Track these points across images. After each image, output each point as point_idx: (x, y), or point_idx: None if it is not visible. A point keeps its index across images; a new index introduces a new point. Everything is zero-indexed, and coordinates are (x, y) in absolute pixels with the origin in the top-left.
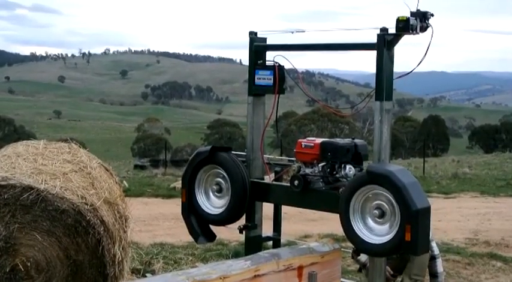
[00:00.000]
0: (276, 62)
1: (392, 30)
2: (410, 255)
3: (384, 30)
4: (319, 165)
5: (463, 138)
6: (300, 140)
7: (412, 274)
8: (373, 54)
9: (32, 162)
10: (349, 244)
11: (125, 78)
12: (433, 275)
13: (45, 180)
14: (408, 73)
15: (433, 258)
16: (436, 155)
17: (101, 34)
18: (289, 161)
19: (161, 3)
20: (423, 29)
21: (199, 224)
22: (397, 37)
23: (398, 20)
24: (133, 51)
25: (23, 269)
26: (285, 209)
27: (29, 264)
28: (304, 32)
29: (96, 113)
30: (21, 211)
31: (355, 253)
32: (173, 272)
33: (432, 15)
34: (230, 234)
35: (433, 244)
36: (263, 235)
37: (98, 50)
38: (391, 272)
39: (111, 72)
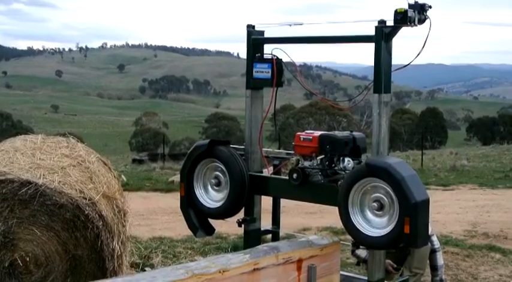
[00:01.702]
0: (274, 55)
1: (390, 22)
2: (410, 249)
3: (382, 22)
4: (318, 158)
5: (460, 130)
6: (298, 133)
7: (412, 267)
8: (371, 46)
9: (30, 156)
10: (348, 237)
11: (123, 72)
12: (434, 267)
13: (44, 175)
14: (406, 65)
15: (433, 251)
16: (434, 147)
17: (98, 28)
18: (287, 154)
19: None
20: (421, 21)
21: (198, 218)
22: (395, 29)
23: (396, 12)
24: (130, 45)
25: (21, 264)
26: (283, 202)
27: (27, 259)
28: (302, 24)
29: (93, 107)
30: (20, 206)
31: (355, 246)
32: (172, 265)
33: (430, 7)
34: (229, 227)
35: (434, 238)
36: (262, 228)
37: (95, 44)
38: (394, 266)
39: (108, 66)
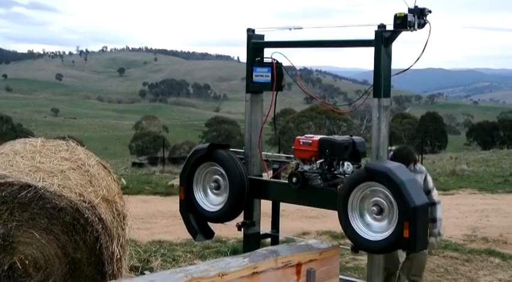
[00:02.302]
0: (274, 59)
1: (390, 27)
2: (408, 255)
3: (381, 27)
4: (317, 162)
5: (460, 135)
6: (298, 137)
7: (410, 275)
8: (371, 51)
9: (30, 160)
10: (348, 241)
11: (123, 76)
12: (432, 219)
13: (43, 178)
14: (406, 70)
15: (433, 204)
16: (434, 152)
17: (98, 32)
18: (287, 158)
19: (158, 0)
20: (421, 25)
21: (198, 222)
22: (394, 34)
23: (396, 17)
24: (130, 48)
25: (21, 267)
26: (283, 206)
27: (27, 262)
28: (301, 29)
29: (93, 110)
30: (19, 209)
31: (353, 250)
32: (171, 269)
33: (430, 11)
34: (228, 231)
35: (434, 192)
36: (261, 232)
37: (96, 47)
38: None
39: (108, 70)
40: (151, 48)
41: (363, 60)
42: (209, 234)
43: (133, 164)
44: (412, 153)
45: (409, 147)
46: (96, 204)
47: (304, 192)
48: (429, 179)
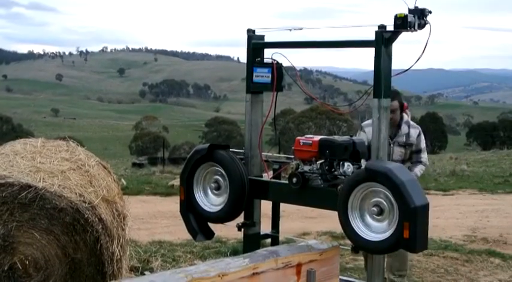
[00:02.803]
0: (274, 60)
1: (390, 27)
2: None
3: (382, 27)
4: (318, 162)
5: (460, 135)
6: (298, 137)
7: (395, 270)
8: (371, 51)
9: (30, 160)
10: (348, 242)
11: (123, 76)
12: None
13: (43, 179)
14: (406, 70)
15: (419, 162)
16: (434, 152)
17: (98, 32)
18: (287, 158)
19: (158, 0)
20: (421, 26)
21: (198, 222)
22: (395, 34)
23: (396, 17)
24: (130, 49)
25: (21, 268)
26: (283, 206)
27: (27, 262)
28: (302, 29)
29: (94, 111)
30: (20, 209)
31: (353, 251)
32: (171, 269)
33: (430, 12)
34: (228, 231)
35: (425, 154)
36: (261, 233)
37: (96, 48)
38: None
39: (108, 70)
40: (151, 49)
41: (363, 61)
42: (209, 234)
43: (134, 164)
44: (397, 92)
45: (395, 89)
46: (96, 205)
47: (304, 192)
48: (423, 137)
